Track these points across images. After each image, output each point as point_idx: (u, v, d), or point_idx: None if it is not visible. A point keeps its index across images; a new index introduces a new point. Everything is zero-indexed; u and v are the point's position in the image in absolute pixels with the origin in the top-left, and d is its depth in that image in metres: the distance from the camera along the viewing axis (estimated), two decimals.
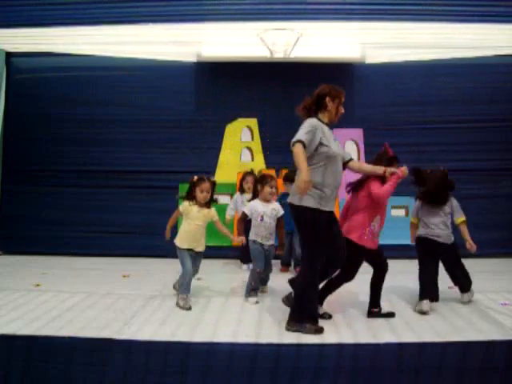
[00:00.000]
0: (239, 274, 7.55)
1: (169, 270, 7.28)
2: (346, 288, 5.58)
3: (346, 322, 5.20)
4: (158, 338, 4.66)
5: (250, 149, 9.04)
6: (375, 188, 5.25)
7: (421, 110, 8.68)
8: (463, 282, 5.95)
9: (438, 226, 5.77)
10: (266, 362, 4.44)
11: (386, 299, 5.76)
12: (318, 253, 4.89)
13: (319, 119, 5.07)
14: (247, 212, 6.17)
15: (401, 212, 8.76)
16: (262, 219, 6.08)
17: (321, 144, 4.87)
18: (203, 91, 8.92)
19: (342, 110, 5.19)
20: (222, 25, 7.27)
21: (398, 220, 8.55)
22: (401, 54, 8.43)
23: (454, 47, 8.16)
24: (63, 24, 7.23)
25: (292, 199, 4.93)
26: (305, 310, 4.93)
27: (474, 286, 5.99)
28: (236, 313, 5.53)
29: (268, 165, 8.91)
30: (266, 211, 6.09)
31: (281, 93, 8.75)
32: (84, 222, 8.78)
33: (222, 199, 8.78)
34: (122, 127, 8.84)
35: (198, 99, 8.97)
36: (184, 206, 5.90)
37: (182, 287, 5.77)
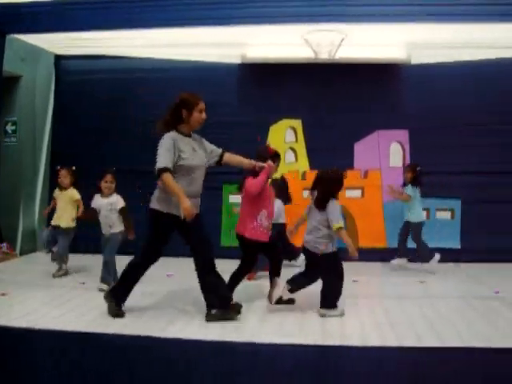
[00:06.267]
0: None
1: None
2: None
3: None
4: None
5: (293, 150, 9.03)
6: (247, 185, 5.64)
7: (466, 111, 8.50)
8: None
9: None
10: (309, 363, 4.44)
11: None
12: None
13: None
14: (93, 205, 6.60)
15: (446, 214, 8.63)
16: (99, 212, 6.51)
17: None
18: (247, 92, 8.93)
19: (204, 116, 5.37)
20: (266, 27, 7.28)
21: (444, 222, 8.46)
22: (446, 54, 8.29)
23: (501, 47, 8.00)
24: (113, 27, 7.36)
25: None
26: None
27: None
28: None
29: (312, 167, 8.86)
30: (102, 204, 6.49)
31: (325, 94, 8.70)
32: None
33: None
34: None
35: (243, 100, 8.99)
36: None
37: None
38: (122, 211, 6.49)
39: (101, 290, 6.17)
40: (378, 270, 7.95)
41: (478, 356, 4.47)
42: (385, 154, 8.86)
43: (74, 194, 7.27)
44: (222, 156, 5.64)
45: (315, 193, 5.68)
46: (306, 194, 8.13)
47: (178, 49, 8.41)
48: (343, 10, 6.97)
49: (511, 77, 8.51)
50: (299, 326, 5.13)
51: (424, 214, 8.00)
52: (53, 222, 7.29)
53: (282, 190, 7.83)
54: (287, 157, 9.00)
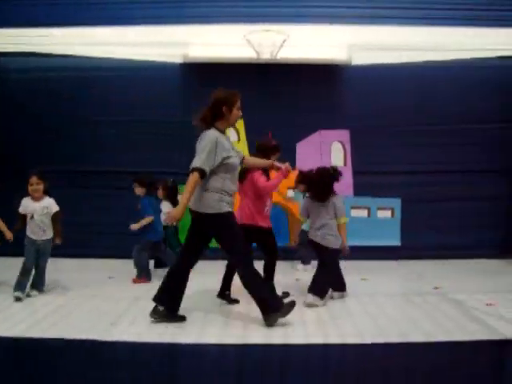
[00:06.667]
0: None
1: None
2: None
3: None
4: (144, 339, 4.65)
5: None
6: (261, 182, 5.78)
7: (406, 112, 8.68)
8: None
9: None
10: (254, 363, 4.45)
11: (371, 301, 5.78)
12: None
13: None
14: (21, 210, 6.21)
15: (387, 213, 8.78)
16: (32, 217, 6.15)
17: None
18: (190, 92, 8.85)
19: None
20: (209, 26, 7.24)
21: (384, 221, 8.60)
22: (387, 56, 8.42)
23: (438, 50, 8.19)
24: (50, 25, 7.19)
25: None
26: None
27: (461, 287, 6.08)
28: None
29: None
30: (35, 209, 6.16)
31: (267, 94, 8.73)
32: (78, 223, 8.64)
33: None
34: (108, 128, 8.75)
35: (184, 100, 8.90)
36: None
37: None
38: (56, 215, 6.23)
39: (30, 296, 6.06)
40: None
41: (420, 351, 4.55)
42: (326, 153, 8.96)
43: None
44: (243, 156, 5.54)
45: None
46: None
47: (119, 48, 8.25)
48: (284, 11, 7.01)
49: (451, 79, 8.73)
50: (243, 326, 5.12)
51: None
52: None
53: (172, 192, 7.92)
54: None
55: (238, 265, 5.31)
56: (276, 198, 8.16)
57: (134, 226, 7.00)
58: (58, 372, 4.52)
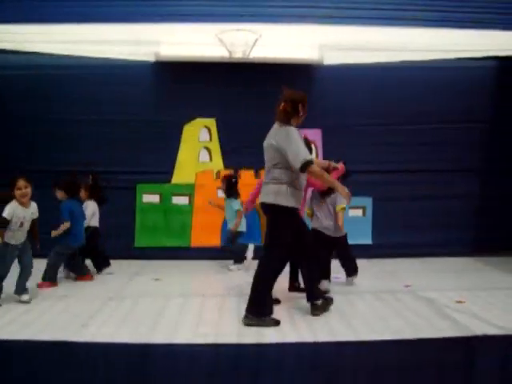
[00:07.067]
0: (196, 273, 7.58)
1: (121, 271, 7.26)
2: None
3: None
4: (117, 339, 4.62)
5: (208, 149, 8.99)
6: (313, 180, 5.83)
7: (378, 111, 8.76)
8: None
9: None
10: (226, 362, 4.44)
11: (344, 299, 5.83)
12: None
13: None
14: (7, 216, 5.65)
15: (358, 212, 8.84)
16: (21, 225, 5.73)
17: None
18: (161, 91, 8.83)
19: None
20: (180, 25, 7.21)
21: (356, 220, 8.66)
22: (358, 55, 8.46)
23: (410, 50, 8.25)
24: (18, 22, 7.07)
25: None
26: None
27: (432, 285, 6.16)
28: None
29: (226, 165, 8.89)
30: (26, 216, 5.77)
31: (239, 93, 8.73)
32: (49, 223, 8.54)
33: (180, 200, 8.79)
34: (79, 126, 8.63)
35: (156, 99, 8.88)
36: None
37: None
38: (35, 220, 5.92)
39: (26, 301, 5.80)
40: None
41: (390, 348, 4.58)
42: None
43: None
44: None
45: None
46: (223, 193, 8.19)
47: (89, 45, 8.13)
48: (257, 10, 6.99)
49: (423, 79, 8.85)
50: (216, 326, 5.11)
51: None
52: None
53: (95, 190, 7.53)
54: (201, 156, 8.96)
55: (270, 256, 5.31)
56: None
57: (54, 233, 6.68)
58: (29, 374, 4.45)
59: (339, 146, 8.59)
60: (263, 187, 5.29)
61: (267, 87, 8.64)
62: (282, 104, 5.31)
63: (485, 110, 9.02)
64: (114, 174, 8.52)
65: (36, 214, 5.90)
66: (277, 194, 5.11)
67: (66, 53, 8.43)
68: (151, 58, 8.67)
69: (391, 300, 6.04)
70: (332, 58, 8.61)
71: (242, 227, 8.02)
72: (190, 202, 8.84)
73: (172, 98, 8.78)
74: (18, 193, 5.63)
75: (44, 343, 4.52)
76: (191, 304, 5.90)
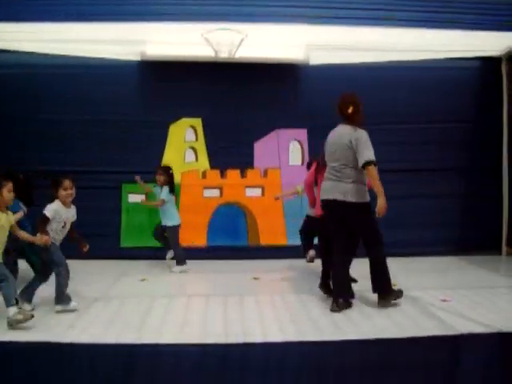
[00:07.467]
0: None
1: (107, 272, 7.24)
2: None
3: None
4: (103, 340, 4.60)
5: (194, 149, 8.98)
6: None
7: (364, 111, 8.78)
8: None
9: None
10: (213, 362, 4.44)
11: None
12: None
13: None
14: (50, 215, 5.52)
15: None
16: (64, 225, 5.64)
17: None
18: (147, 90, 8.80)
19: None
20: (166, 24, 7.20)
21: None
22: (344, 55, 8.49)
23: (396, 50, 8.32)
24: (4, 20, 7.01)
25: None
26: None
27: (417, 284, 6.43)
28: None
29: (212, 165, 8.89)
30: (69, 217, 5.68)
31: (225, 93, 8.71)
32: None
33: None
34: (65, 126, 8.57)
35: (142, 98, 8.84)
36: None
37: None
38: (73, 223, 5.74)
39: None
40: (279, 266, 8.03)
41: (375, 347, 4.61)
42: (284, 152, 9.00)
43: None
44: None
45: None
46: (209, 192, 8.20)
47: (74, 45, 8.07)
48: (243, 10, 7.00)
49: (408, 79, 8.88)
50: (202, 326, 5.11)
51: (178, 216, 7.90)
52: None
53: (24, 190, 6.60)
54: (187, 156, 8.95)
55: (376, 245, 5.75)
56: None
57: None
58: (15, 375, 4.42)
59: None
60: (332, 184, 5.63)
61: (253, 87, 8.74)
62: (351, 108, 5.71)
63: (468, 109, 9.08)
64: (99, 173, 8.53)
65: (75, 217, 5.78)
66: (357, 192, 5.55)
67: (52, 52, 8.38)
68: (137, 58, 8.62)
69: (375, 298, 6.05)
70: (318, 58, 8.62)
71: (174, 220, 7.75)
72: (176, 202, 8.81)
73: (158, 97, 8.75)
74: (63, 193, 5.56)
75: (30, 344, 4.49)
76: (177, 304, 5.90)
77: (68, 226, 5.67)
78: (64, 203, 5.58)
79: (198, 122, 8.92)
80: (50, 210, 5.49)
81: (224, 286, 6.78)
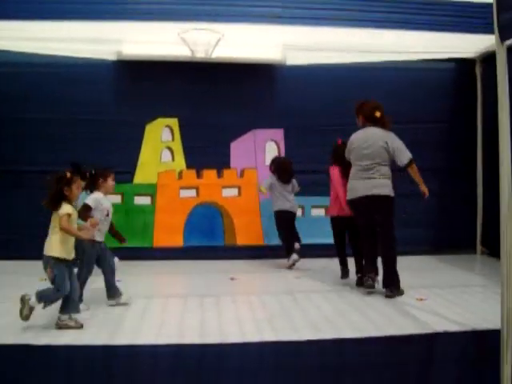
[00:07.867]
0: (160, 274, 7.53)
1: None
2: None
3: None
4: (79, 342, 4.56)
5: (170, 149, 8.94)
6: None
7: (340, 111, 8.77)
8: None
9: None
10: (189, 363, 4.43)
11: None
12: None
13: None
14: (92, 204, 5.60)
15: (321, 211, 8.86)
16: (107, 214, 5.77)
17: None
18: (123, 90, 8.74)
19: None
20: (143, 23, 7.16)
21: (318, 219, 8.70)
22: (321, 56, 8.51)
23: (373, 51, 8.36)
24: None
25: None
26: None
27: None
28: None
29: (188, 165, 8.85)
30: (109, 206, 5.81)
31: (202, 93, 8.69)
32: (12, 224, 8.38)
33: (142, 200, 8.72)
34: (40, 125, 8.48)
35: (118, 98, 8.79)
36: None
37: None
38: None
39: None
40: (256, 267, 8.04)
41: (351, 346, 4.62)
42: (261, 152, 9.01)
43: None
44: None
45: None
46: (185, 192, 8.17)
47: (50, 43, 7.98)
48: (219, 9, 6.99)
49: (387, 80, 8.90)
50: (178, 326, 5.09)
51: None
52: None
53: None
54: (164, 156, 8.91)
55: (390, 237, 6.29)
56: None
57: None
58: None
59: (301, 145, 8.66)
60: (363, 182, 6.15)
61: (230, 87, 8.73)
62: (378, 112, 6.27)
63: (444, 111, 9.16)
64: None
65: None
66: (388, 187, 6.19)
67: (26, 50, 8.27)
68: (112, 57, 8.56)
69: (352, 297, 6.09)
70: (295, 59, 8.63)
71: None
72: (152, 202, 8.79)
73: (134, 97, 8.70)
74: (111, 184, 5.85)
75: (4, 347, 4.44)
76: (154, 305, 5.88)
77: (110, 216, 5.80)
78: (106, 193, 5.78)
79: (174, 122, 8.89)
80: (91, 199, 5.64)
81: (201, 287, 6.77)
